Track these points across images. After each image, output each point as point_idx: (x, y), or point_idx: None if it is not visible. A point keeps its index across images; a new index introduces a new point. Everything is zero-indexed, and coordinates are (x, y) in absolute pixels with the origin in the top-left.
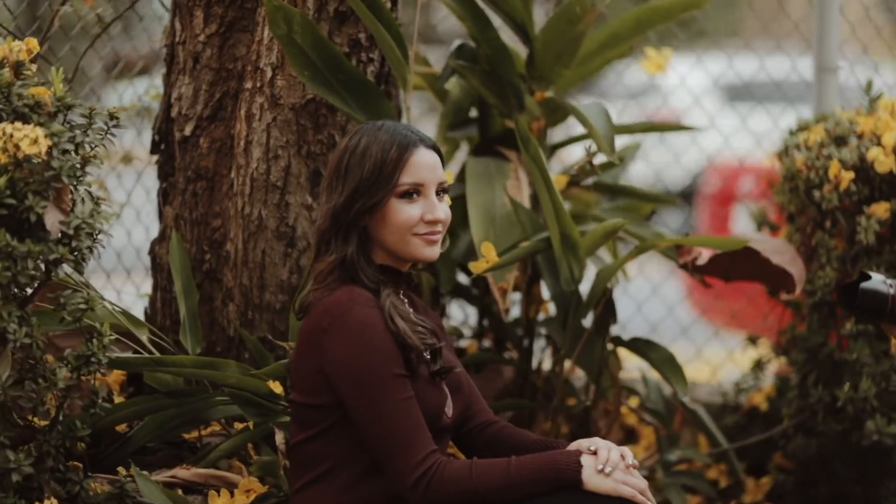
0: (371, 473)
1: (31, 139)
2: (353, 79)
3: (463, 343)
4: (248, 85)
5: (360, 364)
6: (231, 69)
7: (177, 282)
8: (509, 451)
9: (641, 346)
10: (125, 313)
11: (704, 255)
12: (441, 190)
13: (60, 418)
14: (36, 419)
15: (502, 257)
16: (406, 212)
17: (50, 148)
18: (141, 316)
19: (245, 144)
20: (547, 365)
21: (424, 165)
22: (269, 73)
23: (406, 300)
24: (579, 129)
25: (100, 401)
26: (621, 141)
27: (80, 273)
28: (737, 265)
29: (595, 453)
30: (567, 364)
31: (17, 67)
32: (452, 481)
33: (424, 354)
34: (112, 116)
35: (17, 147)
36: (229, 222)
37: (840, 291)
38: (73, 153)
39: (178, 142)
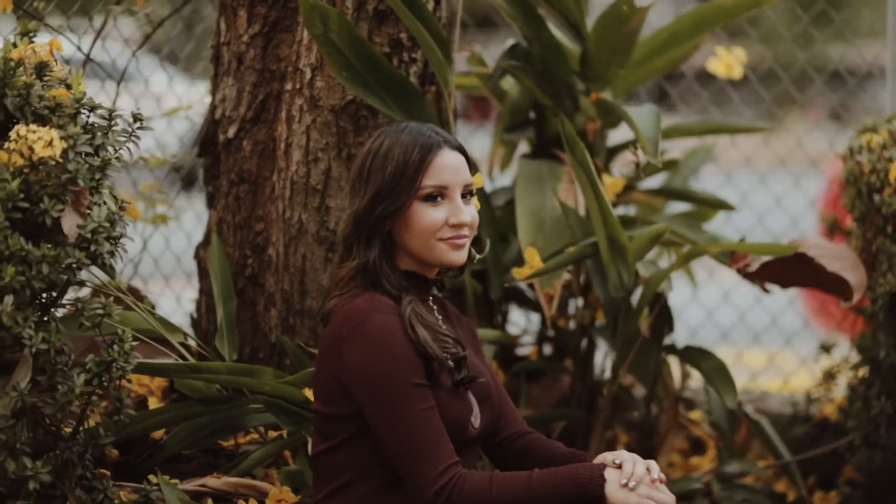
0: (392, 485)
1: (45, 141)
2: (392, 79)
3: (524, 350)
4: (289, 86)
5: (379, 372)
6: (274, 70)
7: (215, 286)
8: (538, 463)
9: (693, 355)
10: (160, 318)
11: (756, 262)
12: (467, 192)
13: (83, 426)
14: (64, 427)
15: (547, 263)
16: (430, 215)
17: (66, 150)
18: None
19: (285, 147)
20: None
21: (448, 167)
22: (308, 74)
23: (436, 307)
24: None
25: (124, 407)
26: (688, 144)
27: (112, 277)
28: (791, 271)
29: (620, 467)
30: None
31: (40, 68)
32: (473, 494)
33: (447, 363)
34: (136, 118)
35: (31, 149)
36: (271, 226)
37: None
38: (93, 156)
39: (222, 144)
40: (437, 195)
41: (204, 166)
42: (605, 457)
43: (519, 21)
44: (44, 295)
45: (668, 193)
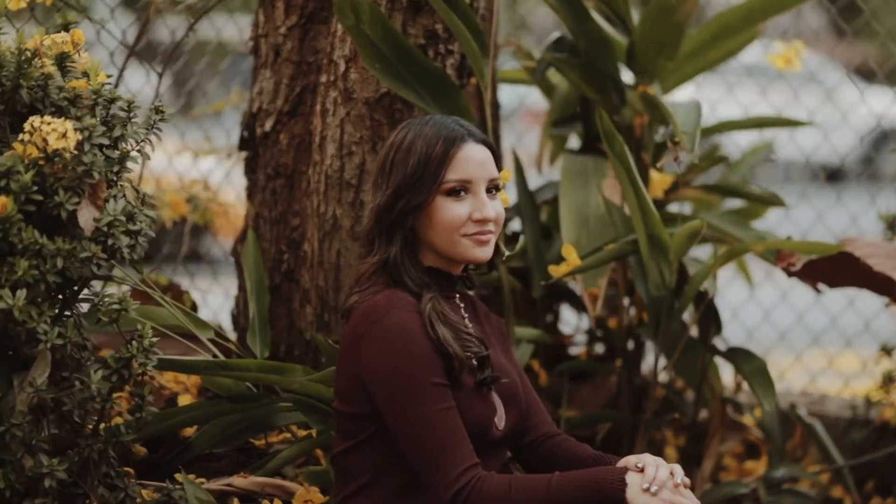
0: (413, 486)
1: (59, 133)
2: (426, 72)
3: (576, 350)
4: (324, 78)
5: (396, 371)
6: (311, 62)
7: (248, 282)
8: (564, 466)
9: (736, 356)
10: (189, 314)
11: (801, 260)
12: (493, 187)
13: (105, 423)
14: (88, 424)
15: (585, 260)
16: (453, 210)
17: (81, 142)
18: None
19: (320, 140)
20: (662, 376)
21: (472, 161)
22: (342, 66)
23: (462, 304)
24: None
25: (147, 405)
26: (748, 138)
27: (140, 272)
28: (837, 271)
29: (642, 471)
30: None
31: (62, 59)
32: (491, 496)
33: (469, 362)
34: (157, 110)
35: (45, 141)
36: (307, 221)
37: None
38: (111, 148)
39: (259, 138)
40: (460, 189)
41: (245, 160)
42: (629, 460)
43: (563, 13)
44: (67, 290)
45: (719, 190)
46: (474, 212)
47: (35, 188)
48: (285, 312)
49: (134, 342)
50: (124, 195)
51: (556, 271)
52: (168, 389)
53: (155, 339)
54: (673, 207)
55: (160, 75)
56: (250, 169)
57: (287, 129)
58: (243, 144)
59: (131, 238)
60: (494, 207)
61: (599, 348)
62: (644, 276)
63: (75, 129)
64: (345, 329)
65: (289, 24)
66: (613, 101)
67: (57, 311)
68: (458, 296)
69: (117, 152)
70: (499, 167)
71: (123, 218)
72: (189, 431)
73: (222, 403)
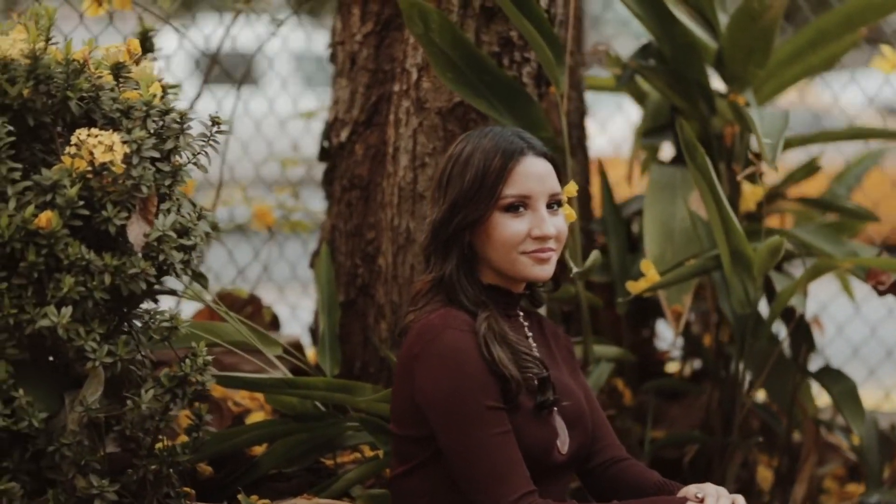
0: None
1: (105, 146)
2: (499, 81)
3: (672, 367)
4: (397, 87)
5: (450, 394)
6: (387, 70)
7: (319, 297)
8: (629, 492)
9: (826, 377)
10: (256, 330)
11: (890, 278)
12: (554, 202)
13: (162, 442)
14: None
15: (665, 276)
16: (511, 227)
17: (129, 155)
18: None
19: (393, 151)
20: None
21: (532, 175)
22: (414, 75)
23: (527, 323)
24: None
25: (205, 424)
26: (853, 149)
27: (204, 287)
28: None
29: (702, 501)
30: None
31: (117, 69)
32: None
33: (531, 383)
34: (214, 121)
35: (92, 154)
36: (381, 235)
37: None
38: (164, 161)
39: (335, 148)
40: (519, 205)
41: (324, 171)
42: (689, 490)
43: (647, 19)
44: (124, 307)
45: (812, 203)
46: (533, 228)
47: (82, 203)
48: (360, 328)
49: (188, 360)
50: (178, 209)
51: (634, 287)
52: (241, 406)
53: (209, 358)
54: (775, 221)
55: (239, 85)
56: (327, 180)
57: (363, 139)
58: (323, 155)
59: (185, 253)
60: (555, 224)
61: (698, 364)
62: (728, 293)
63: (123, 142)
64: (401, 349)
65: (364, 32)
66: (702, 109)
67: (109, 328)
68: (521, 314)
69: (169, 165)
70: (562, 181)
71: (173, 233)
72: (259, 450)
73: (288, 422)
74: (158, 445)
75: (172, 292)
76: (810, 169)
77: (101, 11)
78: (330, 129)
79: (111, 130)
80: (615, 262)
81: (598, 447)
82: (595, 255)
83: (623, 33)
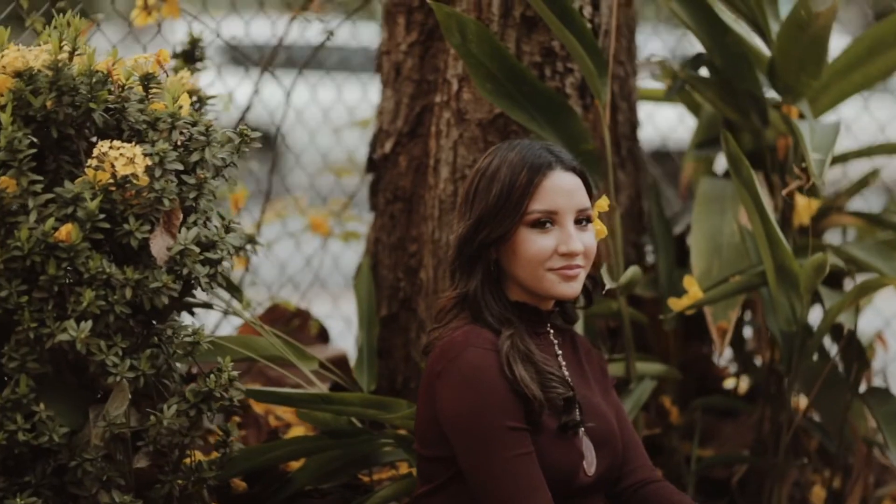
0: None
1: (127, 158)
2: (539, 92)
3: (729, 384)
4: (438, 98)
5: (470, 413)
6: (431, 81)
7: (358, 311)
8: None
9: (872, 397)
10: (291, 345)
11: None
12: (583, 218)
13: (189, 458)
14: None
15: (708, 293)
16: (537, 243)
17: (152, 168)
18: None
19: (434, 163)
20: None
21: (559, 190)
22: (455, 86)
23: (557, 341)
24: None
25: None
26: None
27: (240, 301)
28: None
29: None
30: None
31: (147, 80)
32: None
33: (556, 403)
34: (243, 135)
35: (113, 167)
36: (423, 248)
37: None
38: (189, 174)
39: (379, 160)
40: (546, 221)
41: (370, 183)
42: None
43: (697, 28)
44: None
45: (865, 217)
46: (560, 245)
47: (103, 216)
48: (402, 342)
49: (212, 375)
50: (205, 222)
51: (676, 304)
52: (283, 421)
53: (236, 373)
54: (829, 236)
55: (288, 94)
56: (373, 192)
57: (406, 150)
58: (370, 166)
59: (211, 267)
60: (583, 240)
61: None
62: (774, 310)
63: (145, 155)
64: (425, 367)
65: (409, 41)
66: (754, 121)
67: (136, 342)
68: (551, 331)
69: (193, 178)
70: (591, 196)
71: (195, 247)
72: (295, 465)
73: (322, 438)
74: (186, 461)
75: (207, 306)
76: (863, 182)
77: (151, 20)
78: (375, 140)
79: (134, 143)
80: (663, 277)
81: (628, 469)
82: (633, 270)
83: (682, 42)
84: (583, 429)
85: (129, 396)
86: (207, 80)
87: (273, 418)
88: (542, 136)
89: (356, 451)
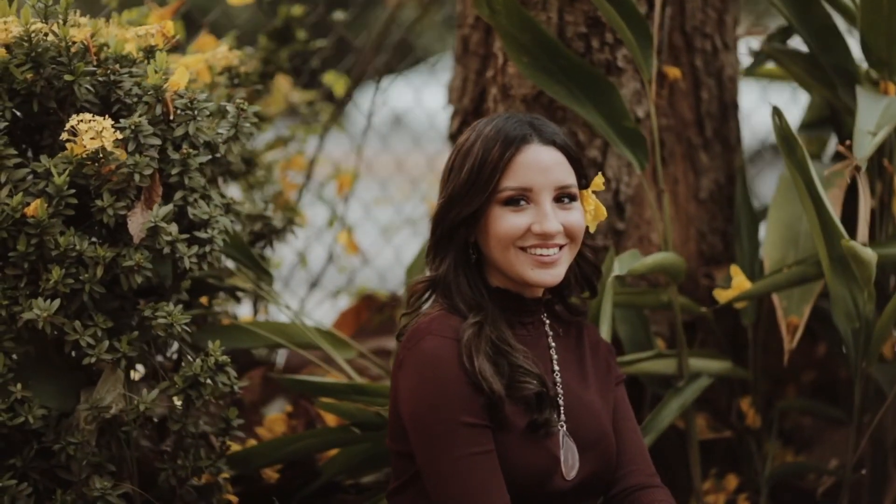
0: None
1: (95, 132)
2: (576, 66)
3: None
4: (490, 73)
5: (424, 407)
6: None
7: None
8: None
9: None
10: (325, 332)
11: None
12: (565, 196)
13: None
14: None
15: (756, 283)
16: (509, 221)
17: (125, 141)
18: None
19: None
20: None
21: (534, 166)
22: (500, 59)
23: (554, 332)
24: None
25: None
26: None
27: (269, 283)
28: None
29: None
30: None
31: (150, 52)
32: None
33: (527, 401)
34: (241, 109)
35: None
36: None
37: None
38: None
39: (449, 138)
40: (519, 198)
41: None
42: None
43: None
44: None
45: None
46: (534, 224)
47: (72, 191)
48: None
49: (198, 361)
50: (195, 201)
51: (722, 295)
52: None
53: (225, 358)
54: None
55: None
56: None
57: None
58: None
59: (200, 247)
60: (565, 220)
61: None
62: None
63: (116, 128)
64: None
65: (475, 14)
66: (845, 98)
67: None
68: (548, 322)
69: (178, 154)
70: (583, 173)
71: (165, 224)
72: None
73: (349, 431)
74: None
75: (234, 290)
76: None
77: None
78: (451, 118)
79: (106, 116)
80: (745, 266)
81: (622, 473)
82: (662, 257)
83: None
84: (564, 429)
85: (122, 380)
86: None
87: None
88: (582, 113)
89: (384, 444)
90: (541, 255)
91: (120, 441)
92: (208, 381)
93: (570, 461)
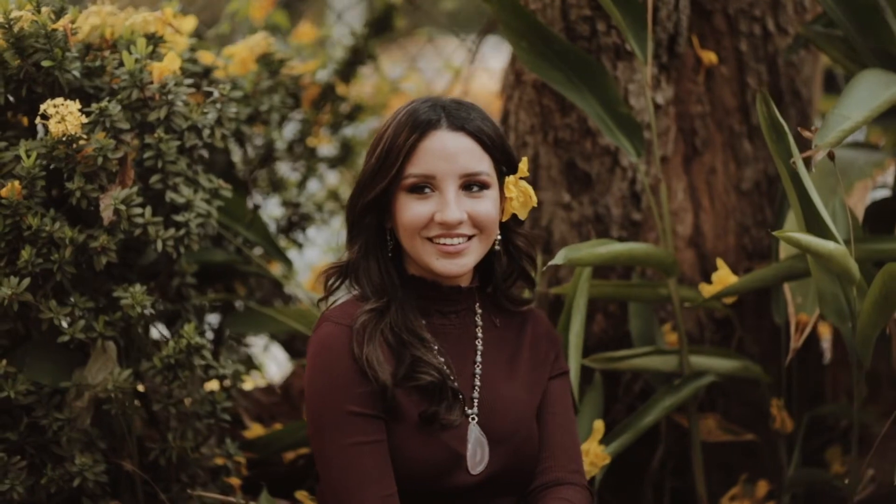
0: None
1: (60, 115)
2: (568, 52)
3: None
4: (508, 58)
5: (314, 394)
6: None
7: None
8: None
9: None
10: None
11: None
12: (474, 184)
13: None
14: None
15: (740, 279)
16: (411, 210)
17: (92, 125)
18: None
19: (505, 130)
20: None
21: (439, 153)
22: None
23: (485, 322)
24: None
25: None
26: None
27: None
28: None
29: None
30: None
31: (152, 40)
32: None
33: (426, 392)
34: (221, 94)
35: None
36: None
37: None
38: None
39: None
40: (423, 186)
41: None
42: None
43: None
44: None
45: None
46: (437, 213)
47: (42, 174)
48: None
49: (172, 342)
50: (175, 185)
51: (706, 290)
52: None
53: (202, 341)
54: None
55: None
56: None
57: None
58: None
59: (177, 230)
60: (472, 208)
61: None
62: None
63: (82, 112)
64: None
65: None
66: None
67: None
68: (480, 312)
69: (154, 138)
70: (501, 158)
71: (124, 206)
72: None
73: None
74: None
75: (259, 274)
76: None
77: None
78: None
79: (76, 100)
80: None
81: (541, 468)
82: (615, 247)
83: None
84: (474, 422)
85: (114, 359)
86: None
87: None
88: (576, 99)
89: None
90: (444, 244)
91: (112, 420)
92: (179, 360)
93: (478, 455)
